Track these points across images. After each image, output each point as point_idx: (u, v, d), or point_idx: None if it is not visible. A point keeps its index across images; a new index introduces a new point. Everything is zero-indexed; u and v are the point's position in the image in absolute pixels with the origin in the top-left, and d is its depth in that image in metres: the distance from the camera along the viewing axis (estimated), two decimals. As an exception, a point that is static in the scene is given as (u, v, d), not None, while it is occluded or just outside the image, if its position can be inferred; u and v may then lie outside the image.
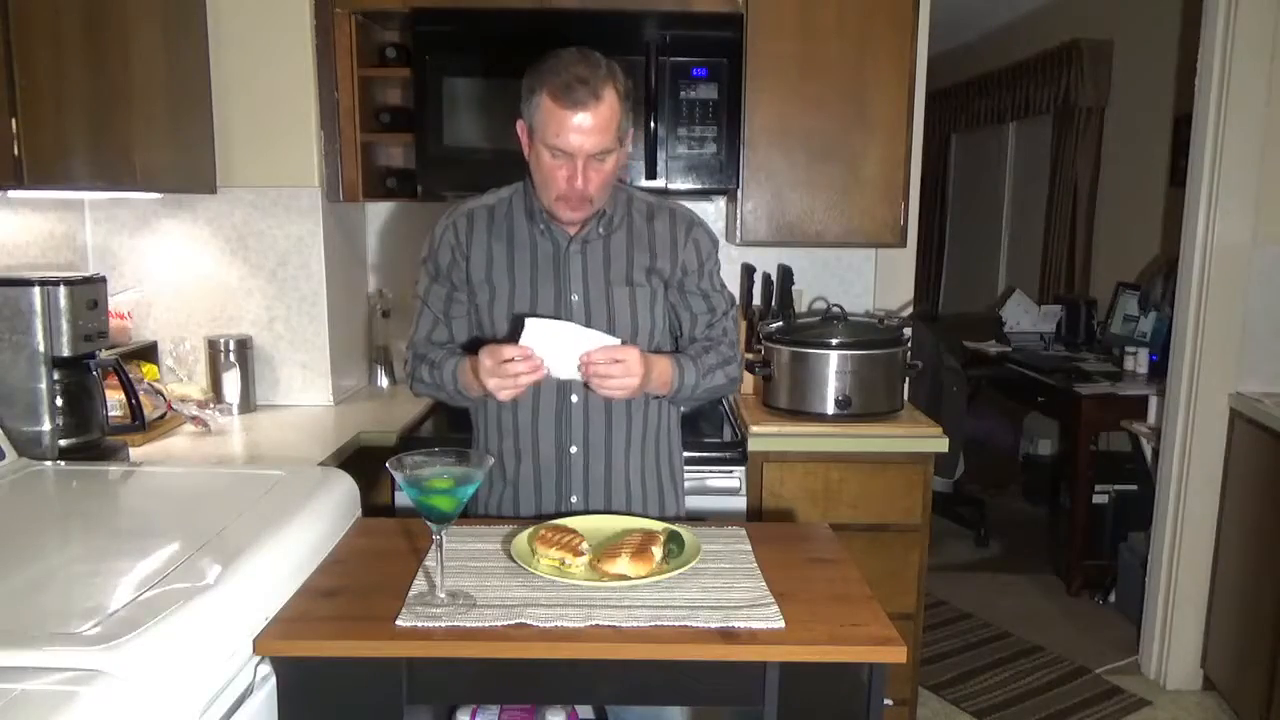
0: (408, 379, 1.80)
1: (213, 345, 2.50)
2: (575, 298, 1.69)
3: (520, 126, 1.63)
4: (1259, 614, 2.68)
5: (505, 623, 1.23)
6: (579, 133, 1.54)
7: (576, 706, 1.88)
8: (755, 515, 2.31)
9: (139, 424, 1.99)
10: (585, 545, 1.40)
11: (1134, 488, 3.63)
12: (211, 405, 2.39)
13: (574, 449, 1.73)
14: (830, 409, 2.38)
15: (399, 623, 1.24)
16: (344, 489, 1.65)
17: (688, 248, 1.74)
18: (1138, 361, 3.74)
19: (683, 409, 1.90)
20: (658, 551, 1.39)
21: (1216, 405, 2.88)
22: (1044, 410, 4.19)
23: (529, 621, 1.23)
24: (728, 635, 1.22)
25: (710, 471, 2.28)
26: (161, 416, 2.25)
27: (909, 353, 2.49)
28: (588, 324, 1.66)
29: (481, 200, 1.75)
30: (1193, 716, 2.89)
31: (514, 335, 1.60)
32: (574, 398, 1.72)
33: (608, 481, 1.76)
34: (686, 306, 1.77)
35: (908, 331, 2.54)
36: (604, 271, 1.70)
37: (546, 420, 1.73)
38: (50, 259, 2.35)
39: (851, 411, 2.37)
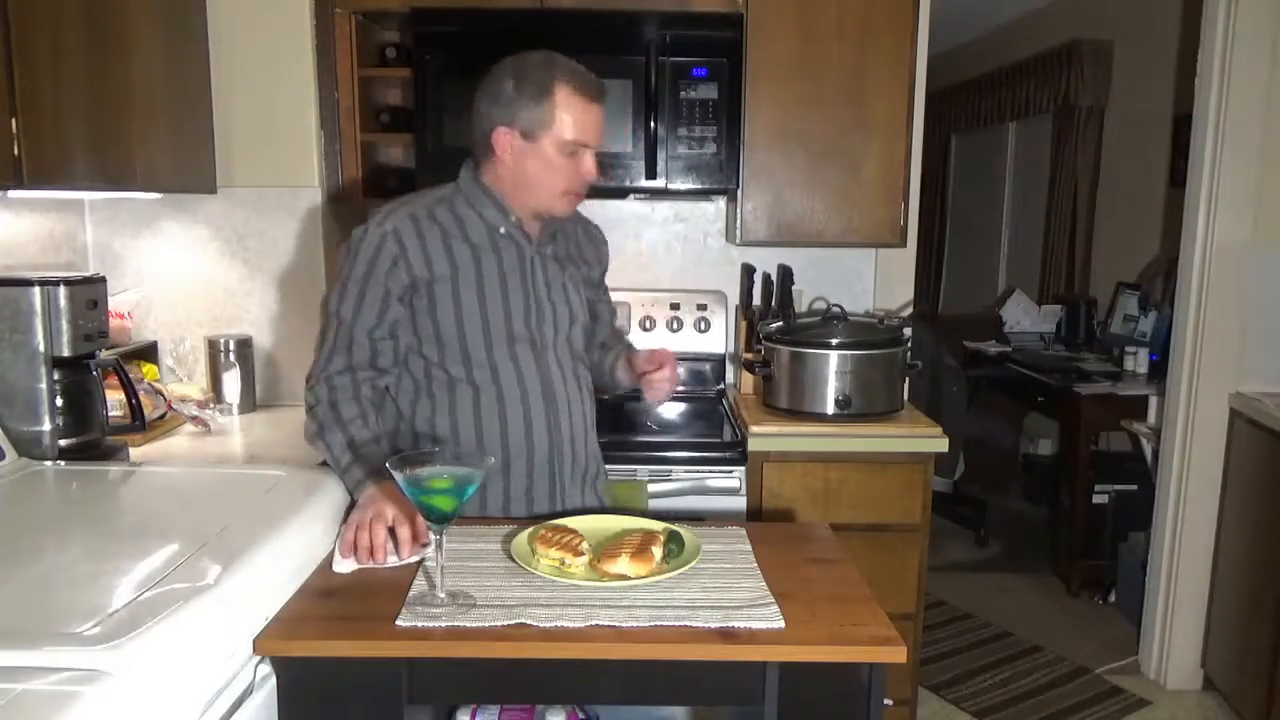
0: (308, 415, 1.61)
1: (213, 345, 2.50)
2: (545, 302, 1.71)
3: (502, 133, 1.59)
4: (1259, 614, 2.68)
5: (505, 623, 1.23)
6: (599, 122, 1.61)
7: (576, 706, 1.87)
8: (755, 515, 2.31)
9: (139, 424, 1.99)
10: (585, 545, 1.40)
11: (1134, 488, 3.63)
12: (211, 405, 2.39)
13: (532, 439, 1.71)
14: (830, 409, 2.37)
15: (399, 623, 1.24)
16: (344, 489, 1.65)
17: (602, 257, 1.91)
18: (1138, 361, 3.74)
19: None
20: (658, 551, 1.39)
21: (1216, 405, 2.88)
22: (1044, 410, 4.19)
23: (529, 621, 1.23)
24: (728, 635, 1.22)
25: (710, 471, 2.28)
26: (161, 416, 2.25)
27: (909, 353, 2.49)
28: (555, 323, 1.72)
29: (414, 206, 1.64)
30: (1193, 716, 2.89)
31: (488, 343, 1.63)
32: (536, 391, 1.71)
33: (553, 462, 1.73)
34: (605, 306, 1.96)
35: (908, 331, 2.54)
36: (561, 274, 1.75)
37: (517, 420, 1.70)
38: (50, 259, 2.35)
39: (851, 411, 2.37)
